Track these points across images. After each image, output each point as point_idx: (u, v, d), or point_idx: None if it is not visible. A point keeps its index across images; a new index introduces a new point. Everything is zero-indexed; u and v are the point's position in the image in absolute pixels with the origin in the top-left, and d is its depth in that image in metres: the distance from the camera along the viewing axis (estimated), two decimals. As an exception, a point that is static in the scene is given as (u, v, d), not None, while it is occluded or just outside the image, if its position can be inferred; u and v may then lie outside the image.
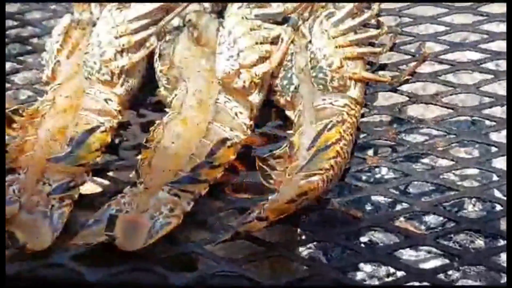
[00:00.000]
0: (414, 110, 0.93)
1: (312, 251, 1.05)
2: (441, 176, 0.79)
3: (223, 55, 0.82)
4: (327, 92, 0.81)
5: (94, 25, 0.94)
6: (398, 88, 0.87)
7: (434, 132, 1.12)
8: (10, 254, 0.77)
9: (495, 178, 0.82)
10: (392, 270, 1.00)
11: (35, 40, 1.09)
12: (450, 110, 0.85)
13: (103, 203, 0.77)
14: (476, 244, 1.04)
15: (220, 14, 0.96)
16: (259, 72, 0.82)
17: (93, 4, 0.98)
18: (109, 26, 0.88)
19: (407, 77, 0.87)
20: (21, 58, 1.07)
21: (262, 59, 0.83)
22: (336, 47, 0.82)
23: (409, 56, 0.93)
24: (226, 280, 0.72)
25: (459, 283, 0.98)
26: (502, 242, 0.78)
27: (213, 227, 0.77)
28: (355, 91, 0.81)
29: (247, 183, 0.84)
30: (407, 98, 0.87)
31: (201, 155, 0.78)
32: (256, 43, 0.84)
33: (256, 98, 0.84)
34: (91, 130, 0.83)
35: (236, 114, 0.82)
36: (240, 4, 0.87)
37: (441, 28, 0.96)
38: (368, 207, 1.10)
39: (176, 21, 0.93)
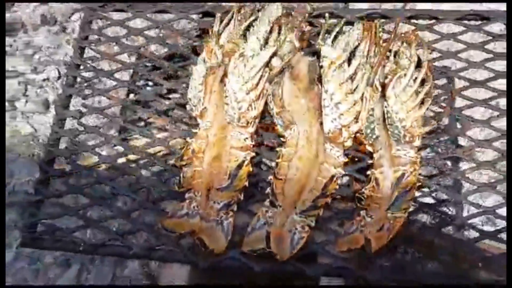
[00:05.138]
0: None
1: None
2: None
3: (329, 117, 0.97)
4: (399, 143, 0.97)
5: (219, 66, 1.05)
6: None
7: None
8: (204, 254, 0.97)
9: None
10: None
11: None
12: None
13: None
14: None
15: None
16: (354, 130, 0.98)
17: (216, 49, 1.06)
18: (240, 84, 1.00)
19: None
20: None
21: (355, 118, 0.99)
22: (407, 111, 0.96)
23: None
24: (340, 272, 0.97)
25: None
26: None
27: (327, 232, 0.98)
28: (418, 142, 0.97)
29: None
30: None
31: (318, 188, 0.97)
32: (351, 106, 0.97)
33: (349, 144, 1.00)
34: (240, 166, 1.00)
35: (337, 156, 0.99)
36: (333, 67, 0.97)
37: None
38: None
39: (278, 62, 1.04)
